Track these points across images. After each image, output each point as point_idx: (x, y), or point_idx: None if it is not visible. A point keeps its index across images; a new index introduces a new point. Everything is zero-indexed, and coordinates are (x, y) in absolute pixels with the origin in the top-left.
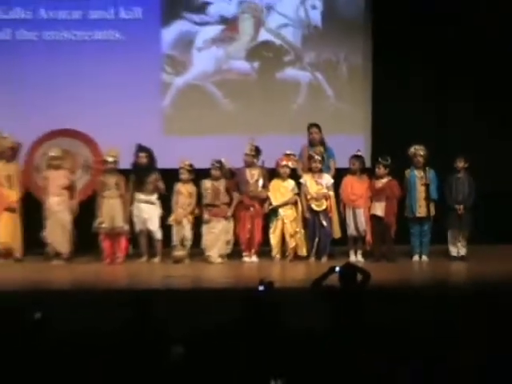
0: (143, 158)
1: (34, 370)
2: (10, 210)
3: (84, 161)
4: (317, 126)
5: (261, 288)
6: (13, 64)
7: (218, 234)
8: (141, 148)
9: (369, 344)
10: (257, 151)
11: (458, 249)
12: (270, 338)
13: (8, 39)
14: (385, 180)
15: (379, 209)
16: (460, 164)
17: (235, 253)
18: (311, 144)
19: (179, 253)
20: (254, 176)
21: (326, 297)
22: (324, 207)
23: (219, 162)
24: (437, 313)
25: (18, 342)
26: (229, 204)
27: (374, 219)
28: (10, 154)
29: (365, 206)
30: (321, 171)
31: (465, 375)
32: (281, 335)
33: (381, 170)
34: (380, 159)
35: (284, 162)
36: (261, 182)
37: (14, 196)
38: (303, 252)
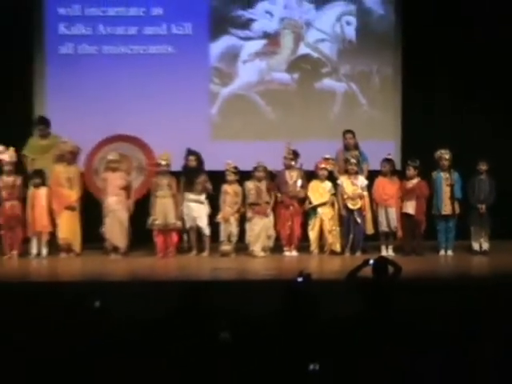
0: (192, 161)
1: (95, 353)
2: (70, 208)
3: (138, 163)
4: (351, 132)
5: (299, 279)
6: (75, 75)
7: (260, 230)
8: (190, 152)
9: (396, 332)
10: (295, 155)
11: (480, 244)
12: (308, 325)
13: (71, 53)
14: (415, 181)
15: (410, 207)
16: (482, 167)
17: (277, 247)
18: (346, 148)
19: (226, 247)
20: (292, 177)
21: (359, 287)
22: (359, 206)
23: (263, 165)
24: (460, 303)
25: (80, 328)
26: (268, 203)
27: (404, 217)
28: (70, 157)
29: (396, 205)
30: (356, 173)
31: (485, 366)
32: (318, 322)
33: (411, 172)
34: (410, 162)
35: (323, 165)
36: (299, 183)
37: (73, 196)
38: (337, 248)
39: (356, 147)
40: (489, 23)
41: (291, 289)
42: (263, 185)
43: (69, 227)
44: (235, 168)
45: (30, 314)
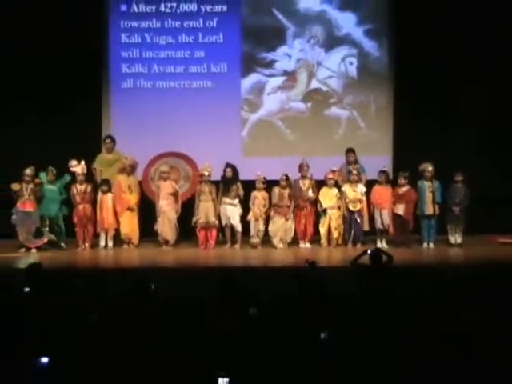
0: (229, 172)
1: (148, 325)
2: (130, 209)
3: (185, 173)
4: (352, 150)
5: (306, 265)
6: (134, 105)
7: (279, 227)
8: (228, 165)
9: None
10: (307, 167)
11: (455, 238)
12: (317, 301)
13: (131, 87)
14: (405, 188)
15: (400, 209)
16: (458, 177)
17: (294, 241)
18: (348, 163)
19: (255, 240)
20: (305, 185)
21: (360, 271)
22: (358, 208)
23: (286, 175)
24: (439, 283)
25: (138, 305)
26: (289, 206)
27: (396, 217)
28: (130, 169)
29: (389, 208)
30: (357, 182)
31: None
32: (326, 299)
33: (402, 181)
34: (401, 173)
35: (330, 176)
36: (310, 190)
37: (133, 200)
38: (339, 242)
39: (356, 162)
40: (463, 62)
41: (300, 273)
42: (286, 191)
43: (129, 225)
44: (264, 178)
45: (99, 293)
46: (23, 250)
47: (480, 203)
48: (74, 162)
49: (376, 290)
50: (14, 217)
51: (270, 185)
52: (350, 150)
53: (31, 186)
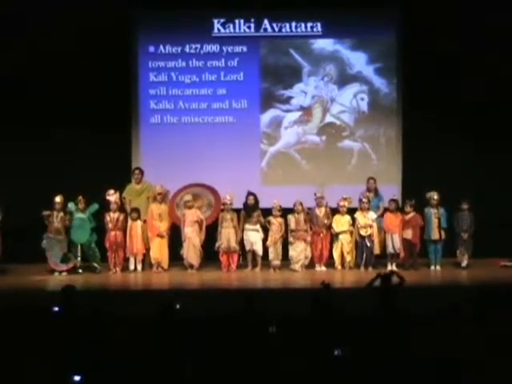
0: (251, 200)
1: (174, 343)
2: (160, 236)
3: (208, 202)
4: (373, 178)
5: (321, 287)
6: (161, 139)
7: (299, 251)
8: (250, 193)
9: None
10: (322, 196)
11: (462, 261)
12: (331, 321)
13: (158, 122)
14: (411, 215)
15: (408, 234)
16: (464, 206)
17: (310, 264)
18: (368, 190)
19: (277, 262)
20: (321, 212)
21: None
22: (369, 233)
23: (300, 202)
24: (447, 301)
25: (166, 324)
26: (306, 230)
27: (405, 241)
28: (161, 198)
29: (399, 233)
30: (368, 209)
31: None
32: (339, 318)
33: (408, 208)
34: (407, 201)
35: (342, 203)
36: (326, 217)
37: (163, 227)
38: (352, 265)
39: (375, 190)
40: (469, 91)
41: (315, 295)
42: (301, 216)
43: (159, 250)
44: (280, 206)
45: (129, 313)
46: (56, 273)
47: (484, 228)
48: (111, 191)
49: (388, 309)
50: (44, 242)
51: (287, 212)
52: (371, 179)
53: (61, 214)
